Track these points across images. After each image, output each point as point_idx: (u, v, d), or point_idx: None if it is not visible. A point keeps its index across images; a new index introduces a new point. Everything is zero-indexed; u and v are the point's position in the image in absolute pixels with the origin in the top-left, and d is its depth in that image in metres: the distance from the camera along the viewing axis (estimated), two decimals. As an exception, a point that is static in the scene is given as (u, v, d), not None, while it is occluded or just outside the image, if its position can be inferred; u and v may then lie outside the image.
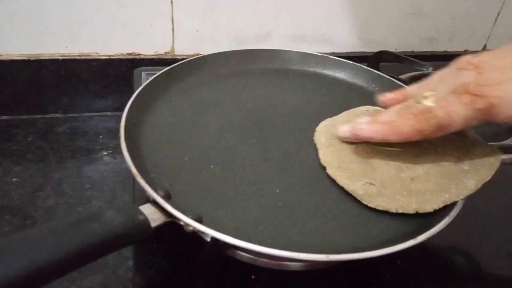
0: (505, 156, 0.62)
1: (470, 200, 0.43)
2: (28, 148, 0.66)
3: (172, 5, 0.71)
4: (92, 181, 0.62)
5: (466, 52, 0.91)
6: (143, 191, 0.49)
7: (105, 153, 0.68)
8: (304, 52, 0.64)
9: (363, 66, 0.63)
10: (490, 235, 0.51)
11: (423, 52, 0.88)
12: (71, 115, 0.75)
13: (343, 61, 0.64)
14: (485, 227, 0.52)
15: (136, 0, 0.69)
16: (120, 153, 0.66)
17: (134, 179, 0.53)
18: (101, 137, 0.71)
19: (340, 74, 0.64)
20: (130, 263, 0.50)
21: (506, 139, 0.67)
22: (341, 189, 0.44)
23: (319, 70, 0.64)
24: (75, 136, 0.71)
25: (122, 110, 0.76)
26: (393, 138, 0.42)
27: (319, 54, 0.65)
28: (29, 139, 0.68)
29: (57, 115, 0.75)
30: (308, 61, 0.64)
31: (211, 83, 0.59)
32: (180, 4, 0.71)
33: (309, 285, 0.43)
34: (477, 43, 0.90)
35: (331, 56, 0.65)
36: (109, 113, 0.77)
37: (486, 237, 0.51)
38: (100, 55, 0.73)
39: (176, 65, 0.57)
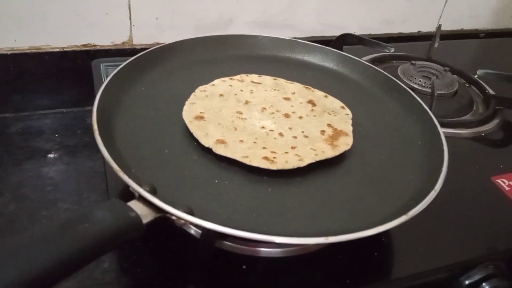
0: (464, 131, 0.66)
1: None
2: (-21, 152, 0.61)
3: (129, -8, 0.68)
4: (54, 183, 0.58)
5: (419, 33, 0.94)
6: (117, 188, 0.47)
7: (64, 152, 0.64)
8: (273, 37, 0.64)
9: (332, 49, 0.64)
10: (451, 207, 0.52)
11: (380, 34, 0.90)
12: (23, 113, 0.70)
13: (311, 44, 0.63)
14: (446, 200, 0.53)
15: (90, -12, 0.65)
16: (81, 151, 0.64)
17: (106, 176, 0.51)
18: (57, 135, 0.67)
19: (309, 58, 0.64)
20: (106, 265, 0.47)
21: (466, 115, 0.70)
22: (327, 174, 0.45)
23: (288, 54, 0.64)
24: (30, 136, 0.66)
25: (78, 106, 0.73)
26: None
27: (288, 38, 0.64)
28: (-21, 142, 0.63)
29: (8, 114, 0.69)
30: (277, 46, 0.63)
31: (181, 71, 0.56)
32: (137, -10, 0.68)
33: (301, 269, 0.43)
34: (430, 24, 0.94)
35: (299, 40, 0.64)
36: (64, 110, 0.72)
37: (447, 208, 0.52)
38: (52, 48, 0.68)
39: (142, 54, 0.54)
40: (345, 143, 0.47)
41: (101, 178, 0.59)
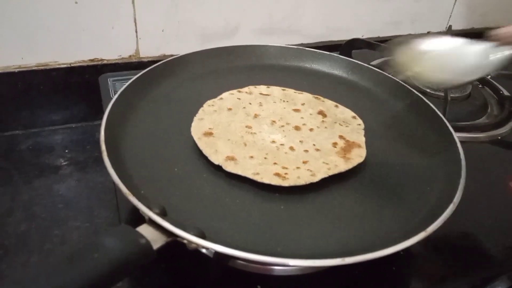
0: (479, 135, 0.64)
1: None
2: (-11, 171, 0.61)
3: (133, 5, 0.67)
4: (65, 200, 0.58)
5: (429, 34, 0.93)
6: (128, 207, 0.46)
7: (74, 168, 0.63)
8: (280, 46, 0.63)
9: (340, 56, 0.62)
10: (469, 216, 0.50)
11: (388, 36, 0.89)
12: (33, 130, 0.69)
13: (319, 52, 0.62)
14: (463, 208, 0.52)
15: (95, 2, 0.65)
16: (91, 166, 0.63)
17: (116, 195, 0.50)
18: (67, 151, 0.66)
19: (317, 66, 0.63)
20: (119, 283, 0.47)
21: (480, 118, 0.69)
22: (340, 188, 0.44)
23: (296, 63, 0.63)
24: (40, 152, 0.66)
25: (87, 120, 0.72)
26: None
27: (295, 47, 0.63)
28: (-11, 160, 0.63)
29: (17, 131, 0.69)
30: (284, 55, 0.62)
31: (189, 84, 0.56)
32: (142, 3, 0.67)
33: (317, 287, 0.42)
34: (439, 24, 0.92)
35: (307, 48, 0.63)
36: (73, 125, 0.72)
37: (465, 217, 0.50)
38: (59, 64, 0.68)
39: (148, 70, 0.54)
40: (358, 155, 0.46)
41: (111, 193, 0.59)
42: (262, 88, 0.55)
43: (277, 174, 0.42)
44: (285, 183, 0.41)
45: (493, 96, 0.73)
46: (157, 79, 0.54)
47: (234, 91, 0.54)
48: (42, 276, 0.26)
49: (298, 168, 0.43)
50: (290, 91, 0.56)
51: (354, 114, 0.52)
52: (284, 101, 0.53)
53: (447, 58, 0.48)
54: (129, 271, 0.31)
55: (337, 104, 0.54)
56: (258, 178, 0.41)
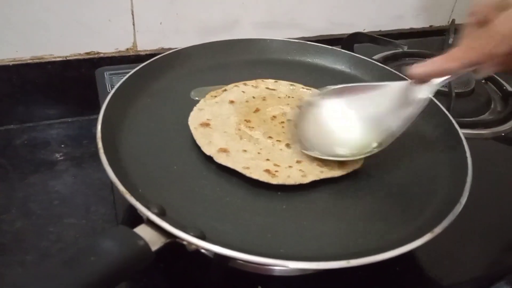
0: (483, 131, 0.63)
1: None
2: (-16, 167, 0.59)
3: (131, -3, 0.66)
4: (60, 197, 0.56)
5: (431, 28, 0.91)
6: (124, 207, 0.45)
7: (70, 163, 0.62)
8: (282, 40, 0.61)
9: (343, 50, 0.61)
10: (475, 215, 0.49)
11: (390, 30, 0.88)
12: (28, 125, 0.68)
13: (322, 46, 0.61)
14: (470, 207, 0.51)
15: (92, -6, 0.63)
16: (88, 162, 0.62)
17: (114, 193, 0.49)
18: (63, 146, 0.65)
19: (320, 60, 0.61)
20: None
21: (483, 114, 0.68)
22: (344, 188, 0.43)
23: (298, 57, 0.61)
24: (35, 147, 0.64)
25: (84, 115, 0.71)
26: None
27: (297, 41, 0.62)
28: (-16, 156, 0.61)
29: (12, 126, 0.67)
30: (287, 49, 0.61)
31: (189, 79, 0.54)
32: (140, -5, 0.66)
33: (321, 286, 0.41)
34: (442, 18, 0.91)
35: (309, 42, 0.62)
36: (69, 119, 0.71)
37: (471, 216, 0.49)
38: (55, 57, 0.66)
39: (147, 63, 0.52)
40: (355, 161, 0.44)
41: (108, 190, 0.58)
42: (270, 82, 0.54)
43: (267, 171, 0.41)
44: (274, 181, 0.40)
45: (496, 92, 0.72)
46: (155, 73, 0.53)
47: (240, 84, 0.52)
48: (38, 281, 0.25)
49: (290, 167, 0.42)
50: (298, 87, 0.54)
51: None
52: (289, 97, 0.52)
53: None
54: (127, 274, 0.30)
55: None
56: (247, 173, 0.40)
